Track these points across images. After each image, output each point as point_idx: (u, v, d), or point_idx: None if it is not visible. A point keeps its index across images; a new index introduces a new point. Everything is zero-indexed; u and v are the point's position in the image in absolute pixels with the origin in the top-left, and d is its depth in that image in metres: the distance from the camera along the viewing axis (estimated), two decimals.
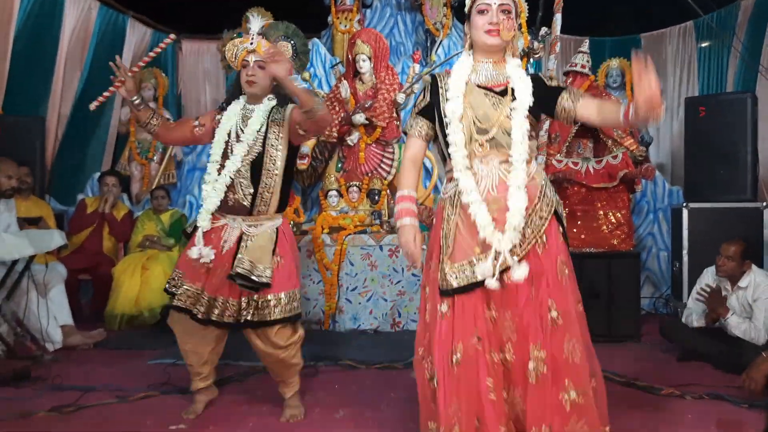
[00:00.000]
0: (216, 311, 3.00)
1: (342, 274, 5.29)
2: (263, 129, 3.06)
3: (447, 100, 2.41)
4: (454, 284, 2.32)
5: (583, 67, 5.48)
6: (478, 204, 2.33)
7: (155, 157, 6.98)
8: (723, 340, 4.11)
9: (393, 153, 5.99)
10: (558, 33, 4.94)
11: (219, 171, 3.04)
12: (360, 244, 5.32)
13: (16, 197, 4.93)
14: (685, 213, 5.28)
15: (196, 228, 3.08)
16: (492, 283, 2.27)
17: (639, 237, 6.36)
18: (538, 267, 2.33)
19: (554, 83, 2.49)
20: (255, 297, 2.98)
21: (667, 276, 6.13)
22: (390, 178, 5.96)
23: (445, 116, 2.41)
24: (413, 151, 2.54)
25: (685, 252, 5.25)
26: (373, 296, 5.28)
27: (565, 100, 2.42)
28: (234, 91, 3.21)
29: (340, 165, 6.08)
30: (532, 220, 2.34)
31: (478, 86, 2.43)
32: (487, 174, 2.38)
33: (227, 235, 3.05)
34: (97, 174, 6.59)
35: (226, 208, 3.07)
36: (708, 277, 4.35)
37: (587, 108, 2.41)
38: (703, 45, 7.71)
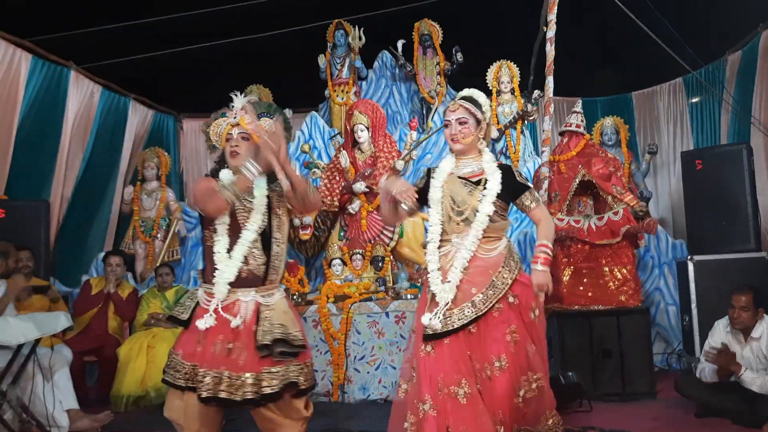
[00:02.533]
0: (240, 390, 2.83)
1: (349, 343, 5.24)
2: (266, 199, 3.04)
3: (431, 188, 3.03)
4: (448, 327, 2.85)
5: (578, 126, 5.56)
6: (435, 274, 2.95)
7: (159, 235, 7.02)
8: (740, 394, 4.03)
9: None
10: (551, 95, 5.05)
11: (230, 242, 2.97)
12: (366, 312, 5.28)
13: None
14: (690, 266, 5.26)
15: (191, 317, 2.97)
16: (436, 325, 2.84)
17: (646, 292, 6.32)
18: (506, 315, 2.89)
19: (522, 180, 3.06)
20: (287, 366, 2.89)
21: (678, 331, 6.06)
22: (392, 244, 5.97)
23: (429, 200, 3.03)
24: None
25: (693, 305, 5.21)
26: (382, 364, 5.20)
27: (526, 199, 3.03)
28: (218, 167, 3.12)
29: (342, 234, 6.11)
30: (494, 284, 2.89)
31: (459, 177, 3.02)
32: (460, 245, 2.94)
33: (242, 309, 2.92)
34: (101, 254, 6.62)
35: (237, 281, 2.93)
36: (720, 329, 4.30)
37: (535, 216, 3.05)
38: (694, 100, 7.85)
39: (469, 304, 2.85)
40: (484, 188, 2.96)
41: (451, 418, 2.75)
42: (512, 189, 3.01)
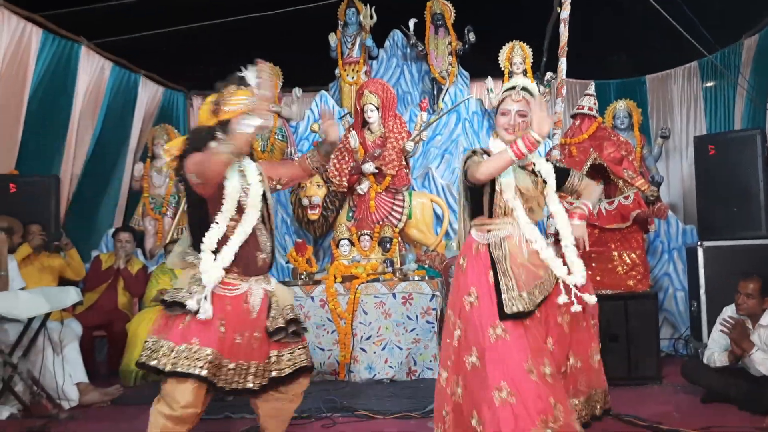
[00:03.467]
0: (241, 379, 2.79)
1: (356, 323, 5.26)
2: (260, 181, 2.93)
3: (500, 174, 2.84)
4: (531, 307, 2.75)
5: (590, 109, 5.52)
6: (548, 248, 2.89)
7: (168, 212, 7.04)
8: (747, 380, 4.03)
9: (403, 201, 6.02)
10: (564, 77, 4.99)
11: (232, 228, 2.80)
12: (373, 293, 5.30)
13: (33, 254, 5.28)
14: (700, 252, 5.24)
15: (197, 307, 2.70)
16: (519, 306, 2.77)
17: (655, 277, 6.30)
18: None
19: (562, 165, 3.17)
20: (288, 349, 2.90)
21: (686, 316, 6.05)
22: (401, 225, 5.97)
23: (501, 185, 2.87)
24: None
25: (702, 291, 5.19)
26: (388, 345, 5.22)
27: (573, 179, 3.09)
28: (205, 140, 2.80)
29: (350, 214, 6.11)
30: (551, 275, 2.90)
31: (520, 167, 2.93)
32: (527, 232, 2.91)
33: (253, 299, 2.85)
34: (111, 230, 6.66)
35: (254, 269, 2.86)
36: (727, 316, 4.28)
37: (584, 186, 3.12)
38: (709, 84, 7.76)
39: (547, 283, 2.85)
40: (545, 183, 2.99)
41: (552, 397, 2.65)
42: (559, 177, 3.04)
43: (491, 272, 2.82)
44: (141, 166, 7.21)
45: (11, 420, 4.23)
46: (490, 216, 2.91)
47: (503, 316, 2.71)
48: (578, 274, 2.88)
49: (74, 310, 5.45)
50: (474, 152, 2.96)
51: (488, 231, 2.90)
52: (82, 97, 6.76)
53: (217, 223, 2.78)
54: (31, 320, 4.25)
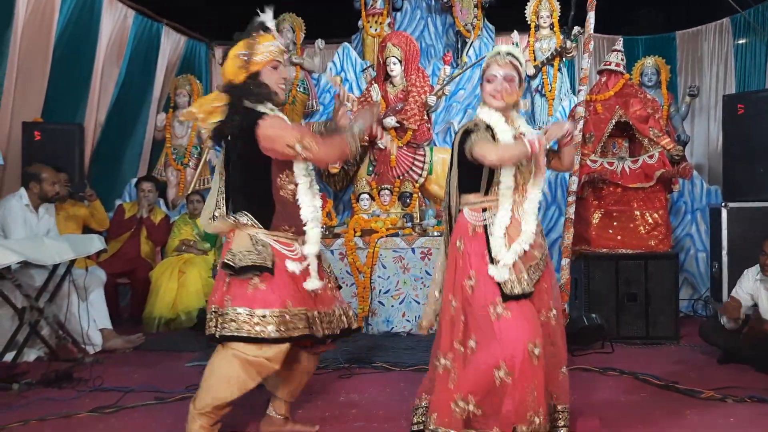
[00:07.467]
0: (336, 323, 2.94)
1: (374, 276, 5.30)
2: None
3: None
4: (529, 288, 2.71)
5: (617, 65, 5.40)
6: (501, 239, 2.74)
7: (191, 163, 7.07)
8: (764, 341, 4.02)
9: (424, 156, 5.98)
10: (591, 32, 4.88)
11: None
12: (392, 247, 5.32)
13: (58, 203, 5.24)
14: (724, 213, 5.18)
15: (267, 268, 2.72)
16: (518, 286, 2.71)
17: (677, 238, 6.26)
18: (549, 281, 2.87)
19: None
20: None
21: (706, 277, 6.02)
22: (421, 180, 5.95)
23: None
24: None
25: (724, 252, 5.15)
26: (406, 299, 5.27)
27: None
28: (263, 94, 2.83)
29: (371, 168, 6.09)
30: (543, 253, 2.84)
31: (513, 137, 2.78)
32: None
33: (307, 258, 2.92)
34: (134, 180, 6.72)
35: (302, 228, 2.87)
36: (749, 277, 4.26)
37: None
38: (741, 42, 7.56)
39: (541, 263, 2.80)
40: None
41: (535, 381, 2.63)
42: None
43: (488, 255, 2.72)
44: (163, 116, 7.23)
45: (38, 362, 4.36)
46: (486, 193, 2.79)
47: (505, 297, 2.65)
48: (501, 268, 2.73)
49: (98, 257, 5.54)
50: (476, 125, 2.78)
51: (483, 210, 2.79)
52: (106, 46, 6.76)
53: (302, 185, 2.82)
54: (56, 266, 4.33)
